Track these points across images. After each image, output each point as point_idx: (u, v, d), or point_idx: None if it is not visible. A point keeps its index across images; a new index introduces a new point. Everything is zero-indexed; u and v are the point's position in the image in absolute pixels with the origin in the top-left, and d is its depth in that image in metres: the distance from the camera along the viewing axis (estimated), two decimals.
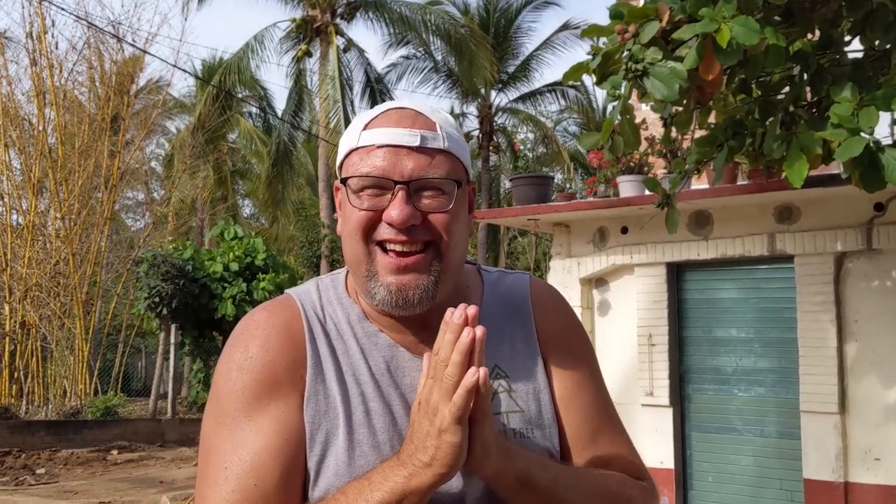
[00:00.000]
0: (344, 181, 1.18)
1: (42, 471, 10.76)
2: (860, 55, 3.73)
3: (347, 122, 17.25)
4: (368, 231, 1.15)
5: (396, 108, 1.20)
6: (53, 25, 23.93)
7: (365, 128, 1.18)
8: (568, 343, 1.30)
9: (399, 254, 1.14)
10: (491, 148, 21.32)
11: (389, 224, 1.13)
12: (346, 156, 1.20)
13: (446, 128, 1.19)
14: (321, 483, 1.12)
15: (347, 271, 1.28)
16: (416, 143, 1.15)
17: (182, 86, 51.52)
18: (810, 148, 3.25)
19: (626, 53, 3.07)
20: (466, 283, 1.30)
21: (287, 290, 1.28)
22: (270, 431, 1.13)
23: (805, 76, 3.56)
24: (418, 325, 1.21)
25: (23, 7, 23.76)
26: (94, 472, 10.96)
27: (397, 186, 1.13)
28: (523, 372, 1.24)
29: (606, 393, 1.33)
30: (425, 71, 21.42)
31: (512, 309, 1.29)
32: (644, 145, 6.51)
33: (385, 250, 1.15)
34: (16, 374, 14.84)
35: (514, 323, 1.28)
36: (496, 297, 1.30)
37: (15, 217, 15.89)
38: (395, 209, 1.12)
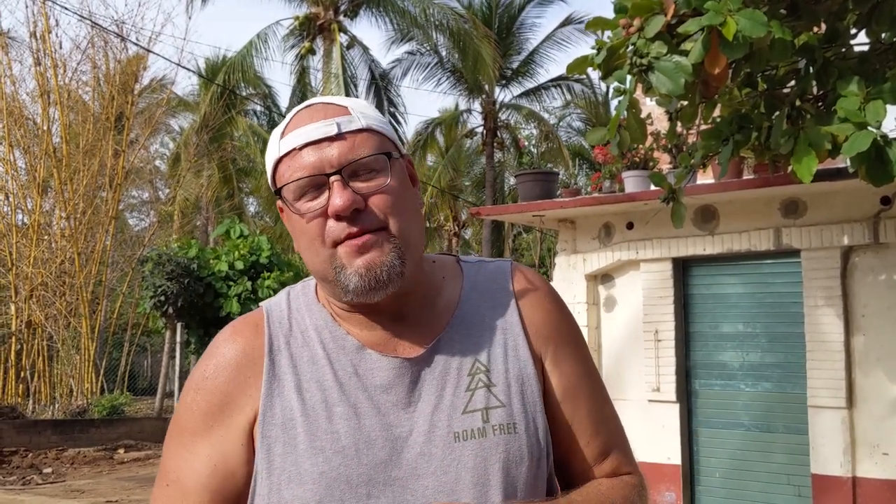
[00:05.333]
0: (279, 193, 1.16)
1: (49, 470, 10.80)
2: (866, 48, 3.71)
3: None
4: (324, 235, 1.13)
5: (305, 107, 1.19)
6: (57, 25, 23.94)
7: (282, 136, 1.17)
8: (560, 331, 1.26)
9: (354, 238, 1.12)
10: (495, 144, 21.27)
11: (336, 216, 1.11)
12: (274, 170, 1.18)
13: (360, 109, 1.18)
14: (285, 494, 1.11)
15: None
16: (334, 131, 1.13)
17: (186, 84, 51.58)
18: (819, 143, 3.23)
19: (630, 47, 3.05)
20: (443, 275, 1.26)
21: (261, 303, 1.27)
22: (202, 456, 1.17)
23: (811, 70, 3.53)
24: (389, 318, 1.19)
25: (27, 6, 23.83)
26: (100, 471, 11.00)
27: (331, 178, 1.12)
28: (505, 364, 1.20)
29: (599, 376, 1.31)
30: (430, 67, 21.36)
31: (493, 299, 1.24)
32: (649, 140, 6.49)
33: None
34: (22, 374, 14.90)
35: (495, 313, 1.23)
36: (476, 287, 1.26)
37: (20, 217, 15.97)
38: (336, 197, 1.10)
